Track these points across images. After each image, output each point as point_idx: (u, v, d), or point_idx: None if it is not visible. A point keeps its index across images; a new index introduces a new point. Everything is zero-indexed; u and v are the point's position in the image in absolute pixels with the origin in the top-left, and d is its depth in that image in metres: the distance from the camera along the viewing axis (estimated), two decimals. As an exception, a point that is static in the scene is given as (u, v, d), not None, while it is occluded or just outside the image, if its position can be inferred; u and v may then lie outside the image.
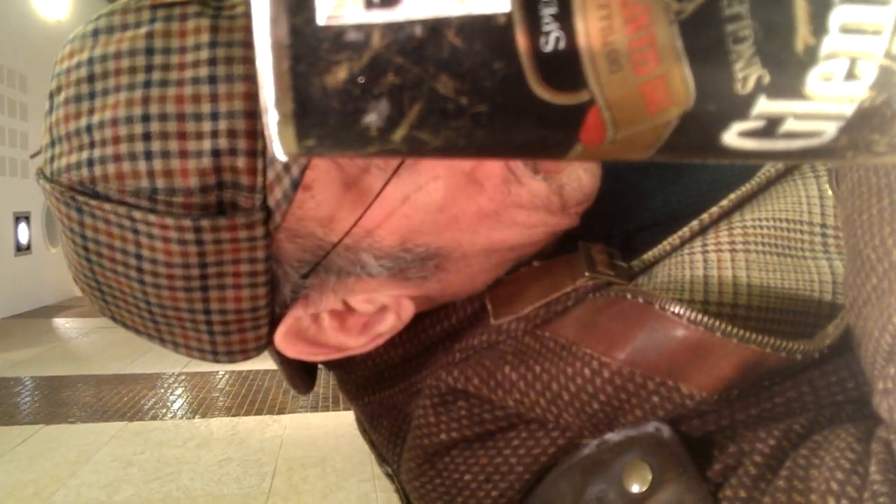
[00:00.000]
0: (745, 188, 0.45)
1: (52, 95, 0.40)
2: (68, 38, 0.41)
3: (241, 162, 0.36)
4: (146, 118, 0.36)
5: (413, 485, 0.46)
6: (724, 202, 0.44)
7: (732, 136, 0.22)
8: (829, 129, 0.21)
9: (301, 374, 0.53)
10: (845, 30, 0.20)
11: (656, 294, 0.39)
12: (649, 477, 0.37)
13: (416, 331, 0.47)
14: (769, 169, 0.46)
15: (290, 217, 0.39)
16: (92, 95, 0.37)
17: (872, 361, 0.33)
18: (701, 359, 0.37)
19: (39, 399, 2.84)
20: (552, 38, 0.20)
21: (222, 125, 0.36)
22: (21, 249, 5.32)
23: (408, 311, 0.44)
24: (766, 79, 0.20)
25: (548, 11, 0.20)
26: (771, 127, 0.21)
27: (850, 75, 0.20)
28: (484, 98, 0.21)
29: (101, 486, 1.87)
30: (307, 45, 0.19)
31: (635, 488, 0.37)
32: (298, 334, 0.44)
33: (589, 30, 0.20)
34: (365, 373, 0.50)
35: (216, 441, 2.19)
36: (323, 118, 0.21)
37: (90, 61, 0.38)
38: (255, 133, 0.36)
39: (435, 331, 0.47)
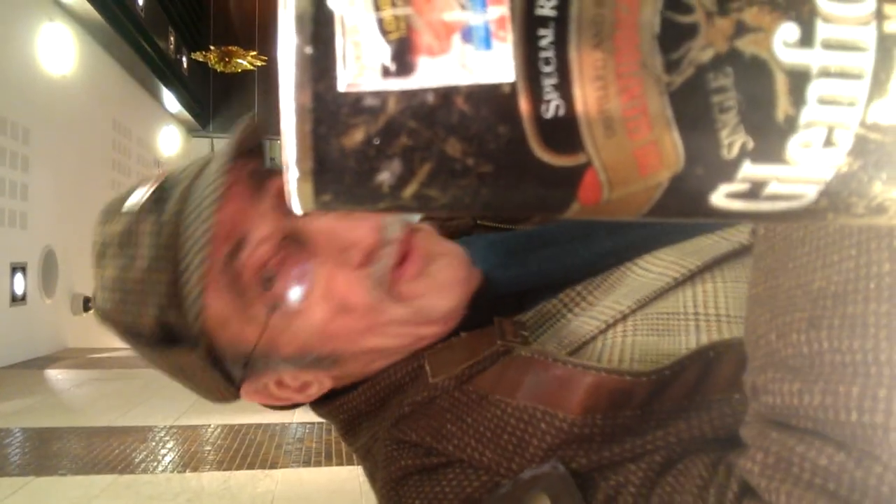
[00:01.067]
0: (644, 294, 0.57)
1: (94, 244, 0.62)
2: (98, 216, 0.62)
3: (172, 313, 0.54)
4: (123, 284, 0.57)
5: None
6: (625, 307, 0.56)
7: (720, 198, 0.24)
8: (810, 193, 0.23)
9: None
10: (822, 101, 0.21)
11: (536, 349, 0.53)
12: None
13: (370, 384, 0.61)
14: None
15: (217, 341, 0.57)
16: (104, 257, 0.59)
17: (746, 393, 0.40)
18: (565, 388, 0.50)
19: (30, 451, 2.80)
20: (552, 106, 0.21)
21: (160, 293, 0.54)
22: (16, 300, 5.30)
23: (327, 383, 0.61)
24: (750, 145, 0.21)
25: (549, 82, 0.21)
26: (756, 189, 0.23)
27: (828, 142, 0.22)
28: (489, 159, 0.22)
29: (89, 541, 1.84)
30: (328, 109, 0.21)
31: None
32: (256, 395, 0.62)
33: (586, 98, 0.21)
34: (341, 418, 0.64)
35: (207, 496, 2.16)
36: (340, 176, 0.22)
37: (102, 243, 0.61)
38: (175, 296, 0.53)
39: (383, 385, 0.60)
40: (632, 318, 0.55)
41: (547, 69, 0.21)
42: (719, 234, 0.59)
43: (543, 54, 0.21)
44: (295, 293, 0.56)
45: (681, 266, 0.57)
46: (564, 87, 0.21)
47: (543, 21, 0.21)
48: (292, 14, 0.20)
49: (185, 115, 9.72)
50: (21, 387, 4.15)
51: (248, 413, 3.21)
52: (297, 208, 0.24)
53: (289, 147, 0.22)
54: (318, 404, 0.65)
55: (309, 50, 0.20)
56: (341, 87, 0.21)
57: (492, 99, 0.21)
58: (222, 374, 0.59)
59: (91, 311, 6.52)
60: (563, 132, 0.22)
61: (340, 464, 2.50)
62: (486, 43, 0.21)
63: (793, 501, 0.34)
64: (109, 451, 2.65)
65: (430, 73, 0.21)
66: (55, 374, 4.67)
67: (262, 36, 10.43)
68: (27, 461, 2.67)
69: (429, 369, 0.58)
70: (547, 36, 0.21)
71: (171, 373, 0.60)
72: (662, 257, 0.59)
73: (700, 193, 0.24)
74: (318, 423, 3.03)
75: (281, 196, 0.58)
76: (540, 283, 0.61)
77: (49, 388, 4.32)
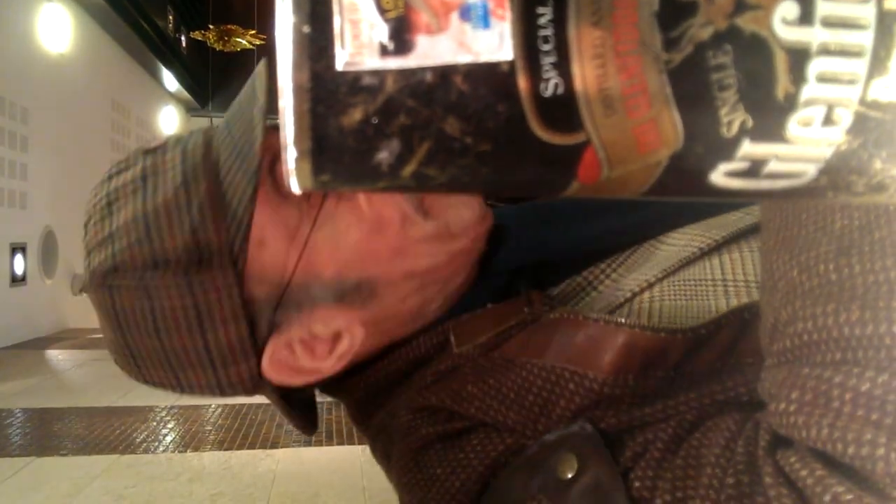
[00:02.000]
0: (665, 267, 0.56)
1: (85, 225, 0.56)
2: (95, 185, 0.58)
3: (209, 227, 0.51)
4: (145, 215, 0.52)
5: (402, 481, 0.56)
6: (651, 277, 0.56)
7: (719, 176, 0.24)
8: (810, 171, 0.22)
9: (305, 416, 0.63)
10: (822, 79, 0.21)
11: (564, 310, 0.52)
12: (576, 465, 0.46)
13: (392, 357, 0.59)
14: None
15: (253, 266, 0.53)
16: (111, 213, 0.54)
17: (763, 341, 0.40)
18: (596, 347, 0.49)
19: (31, 431, 2.82)
20: (551, 84, 0.21)
21: (195, 209, 0.52)
22: (16, 280, 5.31)
23: (360, 333, 0.57)
24: (750, 123, 0.21)
25: (547, 60, 0.21)
26: (755, 168, 0.22)
27: (828, 121, 0.22)
28: (488, 138, 0.22)
29: (92, 519, 1.86)
30: (326, 88, 0.21)
31: (566, 476, 0.46)
32: (279, 362, 0.56)
33: (585, 76, 0.21)
34: (357, 395, 0.61)
35: (208, 475, 2.18)
36: (338, 155, 0.22)
37: (107, 193, 0.55)
38: (215, 208, 0.51)
39: (408, 357, 0.58)
40: (658, 285, 0.54)
41: (546, 47, 0.21)
42: (743, 210, 0.59)
43: (542, 32, 0.21)
44: (334, 202, 0.54)
45: (706, 237, 0.56)
46: (563, 66, 0.21)
47: (542, -2, 0.21)
48: (290, -8, 0.20)
49: (185, 94, 9.67)
50: (21, 367, 4.17)
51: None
52: (295, 187, 0.24)
53: (287, 127, 0.22)
54: (333, 384, 0.62)
55: (306, 29, 0.20)
56: (339, 66, 0.21)
57: (490, 77, 0.21)
58: (248, 322, 0.54)
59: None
60: (562, 110, 0.22)
61: (341, 443, 2.52)
62: (485, 21, 0.21)
63: (836, 434, 0.33)
64: (111, 432, 2.67)
65: (429, 52, 0.21)
66: (56, 355, 4.69)
67: (261, 14, 10.35)
68: (28, 441, 2.68)
69: (454, 339, 0.57)
70: (546, 14, 0.21)
71: (178, 331, 0.53)
72: (686, 231, 0.58)
73: (700, 172, 0.24)
74: (319, 402, 3.04)
75: None
76: (559, 256, 0.61)
77: (50, 369, 4.34)
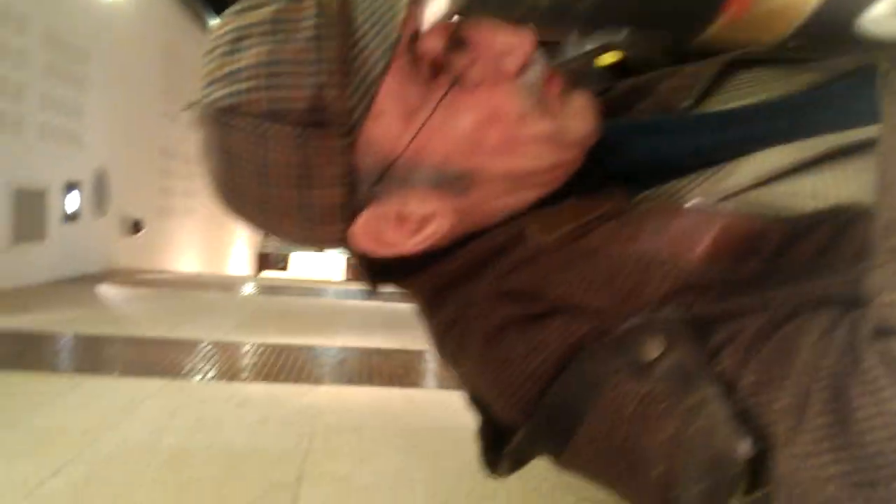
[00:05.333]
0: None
1: (208, 53, 0.57)
2: (222, 15, 0.58)
3: (334, 91, 0.52)
4: (274, 63, 0.52)
5: (477, 363, 0.57)
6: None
7: (873, 18, 0.25)
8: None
9: (373, 278, 0.66)
10: None
11: (659, 201, 0.55)
12: (662, 347, 0.47)
13: (469, 248, 0.60)
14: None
15: (366, 135, 0.54)
16: (238, 50, 0.54)
17: (875, 237, 0.41)
18: (690, 234, 0.50)
19: (83, 354, 2.93)
20: None
21: (323, 67, 0.52)
22: (70, 218, 5.46)
23: (448, 219, 0.59)
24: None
25: None
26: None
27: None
28: None
29: (147, 432, 1.94)
30: None
31: (651, 356, 0.47)
32: (368, 231, 0.58)
33: None
34: (432, 283, 0.62)
35: (255, 402, 2.26)
36: None
37: (237, 28, 0.55)
38: (344, 73, 0.52)
39: (484, 247, 0.59)
40: (753, 191, 0.54)
41: None
42: (837, 133, 0.56)
43: None
44: (461, 76, 0.54)
45: (796, 156, 0.55)
46: None
47: None
48: None
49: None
50: (72, 299, 4.31)
51: (291, 335, 3.31)
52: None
53: None
54: (406, 271, 0.63)
55: None
56: None
57: None
58: (349, 188, 0.55)
59: (141, 233, 6.70)
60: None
61: (381, 384, 2.58)
62: None
63: None
64: (162, 357, 2.77)
65: None
66: (105, 290, 4.83)
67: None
68: (81, 363, 2.80)
69: (531, 231, 0.57)
70: None
71: (281, 183, 0.54)
72: (777, 150, 0.57)
73: (851, 12, 0.25)
74: (358, 347, 3.12)
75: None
76: (649, 168, 0.60)
77: (99, 302, 4.48)
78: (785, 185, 0.54)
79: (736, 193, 0.54)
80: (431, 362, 2.75)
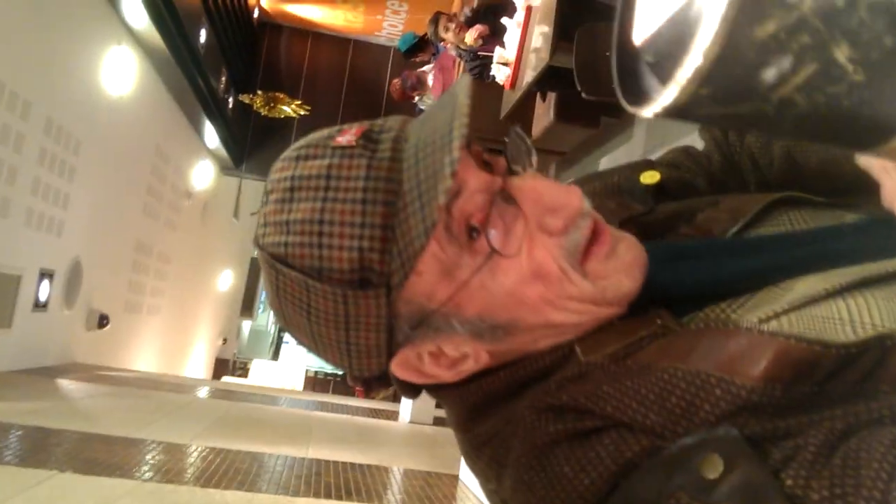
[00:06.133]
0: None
1: (266, 193, 0.60)
2: (281, 157, 0.61)
3: (375, 256, 0.54)
4: (321, 222, 0.55)
5: (522, 480, 0.56)
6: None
7: None
8: None
9: (412, 389, 0.67)
10: None
11: (714, 319, 0.55)
12: (721, 466, 0.46)
13: (514, 367, 0.60)
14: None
15: (405, 291, 0.56)
16: (291, 200, 0.57)
17: None
18: (747, 355, 0.50)
19: (31, 446, 2.80)
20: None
21: (367, 232, 0.54)
22: (39, 306, 5.35)
23: (484, 359, 0.60)
24: None
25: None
26: None
27: None
28: (867, 67, 0.25)
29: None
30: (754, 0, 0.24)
31: (710, 476, 0.46)
32: (406, 364, 0.60)
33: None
34: (472, 400, 0.62)
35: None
36: (732, 67, 0.25)
37: (292, 178, 0.57)
38: (386, 239, 0.54)
39: (530, 369, 0.59)
40: (786, 317, 0.54)
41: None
42: (865, 265, 0.60)
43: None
44: (500, 247, 0.55)
45: (829, 282, 0.57)
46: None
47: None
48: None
49: (222, 152, 9.91)
50: (31, 391, 4.15)
51: (266, 445, 3.21)
52: (665, 100, 0.27)
53: (702, 35, 0.25)
54: (446, 387, 0.63)
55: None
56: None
57: (888, 12, 0.25)
58: (388, 332, 0.57)
59: (105, 328, 6.55)
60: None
61: (361, 500, 2.50)
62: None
63: None
64: (130, 458, 2.66)
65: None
66: (66, 384, 4.67)
67: (307, 86, 10.71)
68: (48, 457, 2.67)
69: (579, 350, 0.58)
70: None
71: (326, 324, 0.57)
72: (808, 278, 0.59)
73: None
74: (333, 460, 3.03)
75: (486, 163, 0.59)
76: (688, 293, 0.62)
77: (61, 395, 4.32)
78: (821, 310, 0.55)
79: (777, 315, 0.55)
80: (416, 479, 2.68)
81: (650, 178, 0.77)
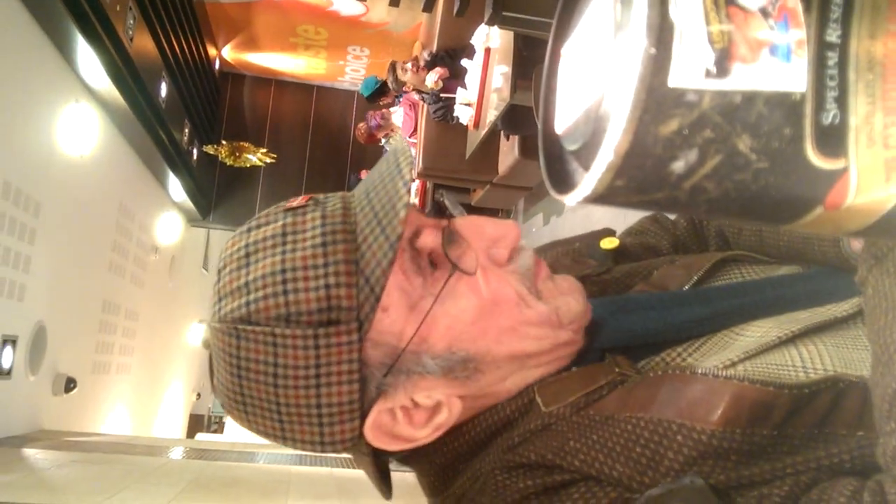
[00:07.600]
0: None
1: (219, 271, 0.60)
2: (228, 240, 0.61)
3: (342, 291, 0.54)
4: (284, 271, 0.55)
5: None
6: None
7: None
8: None
9: (384, 480, 0.66)
10: None
11: (672, 365, 0.56)
12: None
13: (477, 421, 0.61)
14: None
15: (374, 330, 0.56)
16: (249, 264, 0.57)
17: (880, 408, 0.42)
18: (705, 400, 0.51)
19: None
20: (831, 115, 0.26)
21: (331, 269, 0.55)
22: (2, 373, 5.21)
23: (457, 406, 0.60)
24: None
25: (831, 94, 0.26)
26: None
27: None
28: (769, 156, 0.27)
29: None
30: (656, 100, 0.25)
31: None
32: (381, 428, 0.59)
33: (858, 112, 0.26)
34: (441, 461, 0.63)
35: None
36: (643, 161, 0.27)
37: (246, 245, 0.59)
38: (350, 273, 0.54)
39: (493, 420, 0.60)
40: (742, 364, 0.57)
41: (831, 84, 0.26)
42: (812, 309, 0.63)
43: (829, 72, 0.26)
44: (457, 261, 0.58)
45: (782, 329, 0.59)
46: (842, 101, 0.26)
47: (831, 46, 0.26)
48: (644, 23, 0.25)
49: (188, 204, 9.84)
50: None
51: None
52: (584, 191, 0.28)
53: (612, 132, 0.26)
54: (414, 452, 0.64)
55: (653, 51, 0.25)
56: (672, 83, 0.25)
57: (784, 104, 0.26)
58: (360, 383, 0.57)
59: (72, 392, 6.39)
60: (835, 137, 0.27)
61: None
62: (788, 58, 0.26)
63: None
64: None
65: (742, 78, 0.26)
66: (33, 454, 4.53)
67: (272, 134, 10.71)
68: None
69: (540, 401, 0.59)
70: (833, 58, 0.26)
71: (295, 387, 0.56)
72: (760, 325, 0.62)
73: None
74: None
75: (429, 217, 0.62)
76: (641, 340, 0.64)
77: (29, 466, 4.19)
78: (775, 357, 0.57)
79: (733, 364, 0.56)
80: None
81: (609, 243, 0.81)
